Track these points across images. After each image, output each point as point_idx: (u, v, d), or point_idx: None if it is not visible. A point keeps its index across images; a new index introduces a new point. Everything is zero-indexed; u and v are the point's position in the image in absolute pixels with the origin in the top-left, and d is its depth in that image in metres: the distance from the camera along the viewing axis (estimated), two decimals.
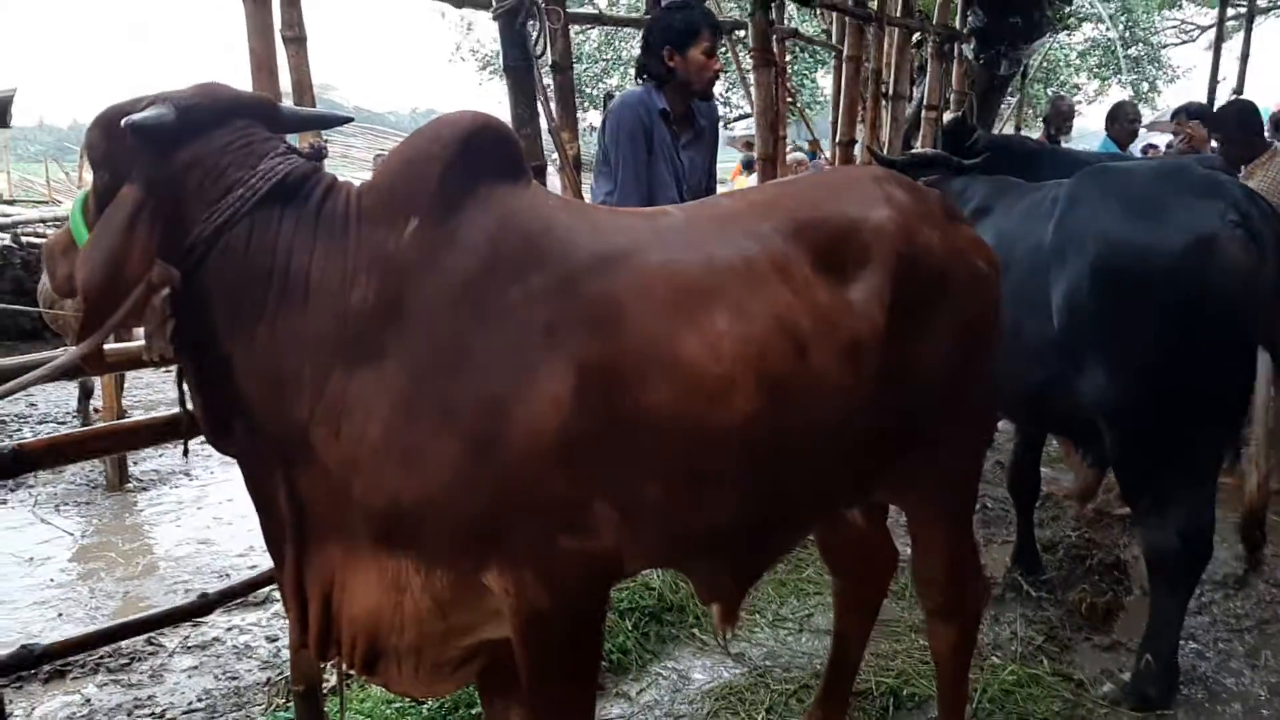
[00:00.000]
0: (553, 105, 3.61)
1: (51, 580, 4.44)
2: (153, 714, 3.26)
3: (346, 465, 1.70)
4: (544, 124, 3.34)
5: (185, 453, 1.89)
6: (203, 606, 2.08)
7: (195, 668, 3.59)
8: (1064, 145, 7.03)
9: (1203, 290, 2.67)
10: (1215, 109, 5.63)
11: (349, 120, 2.11)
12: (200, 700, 3.35)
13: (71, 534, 5.05)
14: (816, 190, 2.21)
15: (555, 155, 3.87)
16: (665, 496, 1.82)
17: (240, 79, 2.14)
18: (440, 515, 1.70)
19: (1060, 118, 7.80)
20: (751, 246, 1.92)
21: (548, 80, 3.62)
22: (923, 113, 6.25)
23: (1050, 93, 14.04)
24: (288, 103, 2.20)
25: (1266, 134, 5.26)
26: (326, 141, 2.22)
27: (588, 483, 1.74)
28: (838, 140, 5.12)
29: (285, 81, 2.63)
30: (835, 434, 1.98)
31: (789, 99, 6.72)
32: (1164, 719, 2.94)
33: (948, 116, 5.83)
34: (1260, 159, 4.87)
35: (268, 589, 3.96)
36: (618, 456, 1.76)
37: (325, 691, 2.77)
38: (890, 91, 5.80)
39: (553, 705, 1.86)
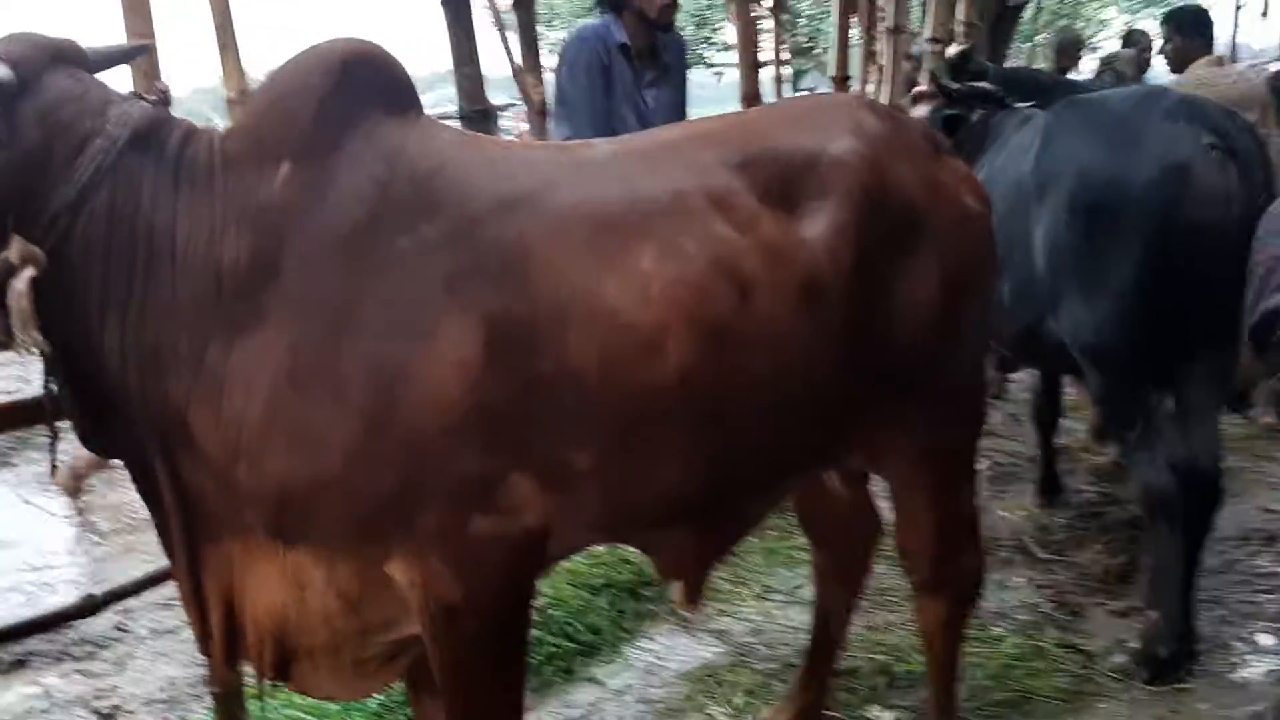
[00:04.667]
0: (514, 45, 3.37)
1: (25, 564, 4.31)
2: (113, 705, 3.13)
3: (229, 449, 1.53)
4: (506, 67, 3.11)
5: (52, 445, 1.69)
6: (89, 608, 1.89)
7: (163, 655, 3.45)
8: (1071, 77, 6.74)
9: (1183, 216, 2.59)
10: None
11: (146, 50, 1.93)
12: (162, 691, 3.21)
13: (54, 514, 4.93)
14: (775, 120, 2.02)
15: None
16: (598, 464, 1.63)
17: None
18: (334, 501, 1.53)
19: (1069, 50, 7.47)
20: (686, 179, 1.72)
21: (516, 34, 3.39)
22: (927, 46, 5.90)
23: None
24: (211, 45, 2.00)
25: None
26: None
27: (503, 455, 1.56)
28: (833, 76, 4.82)
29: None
30: (795, 387, 1.77)
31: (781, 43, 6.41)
32: (1182, 693, 2.71)
33: (953, 49, 5.50)
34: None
35: None
36: (537, 422, 1.58)
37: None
38: (891, 25, 5.47)
39: (472, 712, 1.67)
